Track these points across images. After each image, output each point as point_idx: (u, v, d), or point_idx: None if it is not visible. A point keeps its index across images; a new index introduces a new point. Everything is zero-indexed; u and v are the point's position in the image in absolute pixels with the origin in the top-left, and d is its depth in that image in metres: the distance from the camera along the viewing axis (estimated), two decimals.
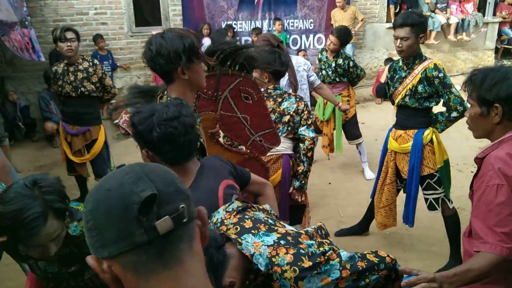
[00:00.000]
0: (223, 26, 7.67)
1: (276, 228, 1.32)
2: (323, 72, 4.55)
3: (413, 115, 2.99)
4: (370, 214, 3.49)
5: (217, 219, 1.34)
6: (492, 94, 1.60)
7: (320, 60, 4.61)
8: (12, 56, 6.47)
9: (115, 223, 0.69)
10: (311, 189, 3.74)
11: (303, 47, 8.18)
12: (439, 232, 3.36)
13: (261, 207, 1.47)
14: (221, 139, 2.41)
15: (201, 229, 0.77)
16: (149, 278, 0.70)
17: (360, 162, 4.90)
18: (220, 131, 2.26)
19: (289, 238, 1.28)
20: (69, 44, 3.64)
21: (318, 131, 4.71)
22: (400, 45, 2.84)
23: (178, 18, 7.58)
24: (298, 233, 1.32)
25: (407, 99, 2.94)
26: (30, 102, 6.55)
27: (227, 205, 1.38)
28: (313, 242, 1.28)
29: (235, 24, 7.74)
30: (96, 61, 3.99)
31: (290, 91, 3.34)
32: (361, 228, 3.60)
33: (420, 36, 2.82)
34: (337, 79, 4.51)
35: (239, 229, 1.29)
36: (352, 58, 4.58)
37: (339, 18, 7.71)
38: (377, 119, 6.64)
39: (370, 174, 4.70)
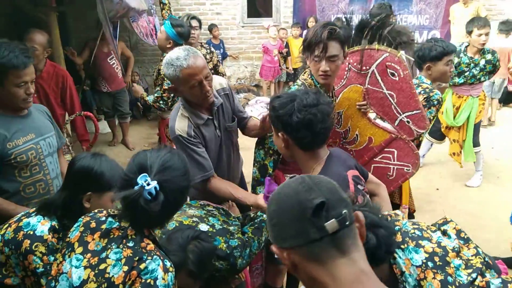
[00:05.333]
0: (333, 19, 7.59)
1: (423, 243, 1.32)
2: (467, 73, 4.14)
3: None
4: None
5: None
6: None
7: (459, 63, 4.16)
8: (136, 41, 7.10)
9: (294, 222, 0.89)
10: (415, 193, 3.56)
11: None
12: None
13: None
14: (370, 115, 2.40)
15: (359, 229, 0.93)
16: (326, 264, 0.88)
17: (472, 170, 4.56)
18: (367, 105, 2.27)
19: (437, 259, 1.28)
20: (193, 32, 3.86)
21: (441, 137, 4.48)
22: None
23: (289, 11, 7.66)
24: (445, 250, 1.30)
25: None
26: (148, 84, 7.14)
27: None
28: (461, 263, 1.26)
29: (345, 18, 7.59)
30: (212, 48, 4.21)
31: None
32: None
33: None
34: (482, 79, 4.14)
35: None
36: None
37: (459, 14, 7.16)
38: (495, 125, 6.10)
39: (475, 182, 4.43)
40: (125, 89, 5.62)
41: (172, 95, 3.39)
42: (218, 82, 2.17)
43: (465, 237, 1.42)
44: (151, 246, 1.32)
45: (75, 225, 1.40)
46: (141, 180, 1.26)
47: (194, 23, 3.95)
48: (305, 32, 7.02)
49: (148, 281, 1.24)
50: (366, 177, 1.79)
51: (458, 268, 1.25)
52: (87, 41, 5.34)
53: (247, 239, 1.85)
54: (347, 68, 2.21)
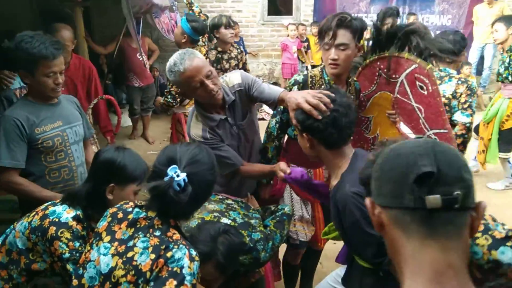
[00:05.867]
0: None
1: None
2: (497, 70, 4.11)
3: None
4: None
5: None
6: None
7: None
8: (158, 36, 7.19)
9: (393, 181, 0.82)
10: None
11: None
12: None
13: None
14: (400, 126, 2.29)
15: (474, 221, 0.80)
16: (411, 237, 0.80)
17: (494, 173, 4.51)
18: (396, 115, 2.18)
19: None
20: (232, 31, 3.86)
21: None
22: None
23: (309, 9, 7.66)
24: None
25: None
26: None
27: None
28: (499, 224, 1.29)
29: (365, 17, 7.56)
30: (241, 48, 4.22)
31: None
32: None
33: None
34: (510, 78, 3.95)
35: None
36: None
37: (483, 14, 7.06)
38: None
39: (498, 185, 4.37)
40: (153, 84, 5.75)
41: (180, 89, 3.42)
42: (231, 80, 2.12)
43: (501, 223, 1.43)
44: (177, 235, 1.35)
45: (103, 216, 1.44)
46: (171, 171, 1.30)
47: (232, 23, 3.97)
48: None
49: (175, 269, 1.27)
50: None
51: (497, 226, 1.29)
52: (115, 35, 5.45)
53: (269, 232, 1.86)
54: (377, 74, 2.14)
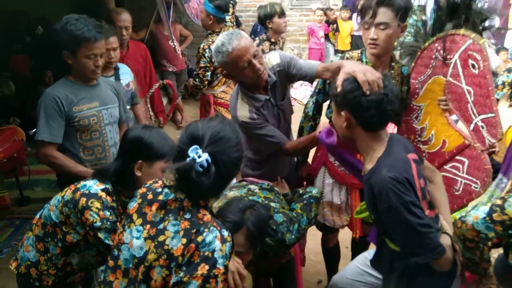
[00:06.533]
0: None
1: None
2: None
3: None
4: None
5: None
6: None
7: None
8: (187, 22, 7.24)
9: None
10: None
11: None
12: None
13: None
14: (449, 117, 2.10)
15: None
16: None
17: None
18: (448, 101, 2.02)
19: None
20: (285, 20, 3.76)
21: None
22: None
23: None
24: None
25: None
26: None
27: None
28: None
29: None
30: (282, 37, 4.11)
31: None
32: None
33: None
34: None
35: None
36: None
37: None
38: None
39: None
40: (185, 70, 5.84)
41: (207, 73, 3.45)
42: (270, 61, 2.13)
43: None
44: (207, 217, 1.32)
45: (132, 197, 1.44)
46: (192, 152, 1.25)
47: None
48: (354, 15, 6.90)
49: (206, 253, 1.26)
50: (422, 162, 1.73)
51: None
52: (147, 21, 5.52)
53: (295, 214, 1.87)
54: (434, 56, 2.00)
